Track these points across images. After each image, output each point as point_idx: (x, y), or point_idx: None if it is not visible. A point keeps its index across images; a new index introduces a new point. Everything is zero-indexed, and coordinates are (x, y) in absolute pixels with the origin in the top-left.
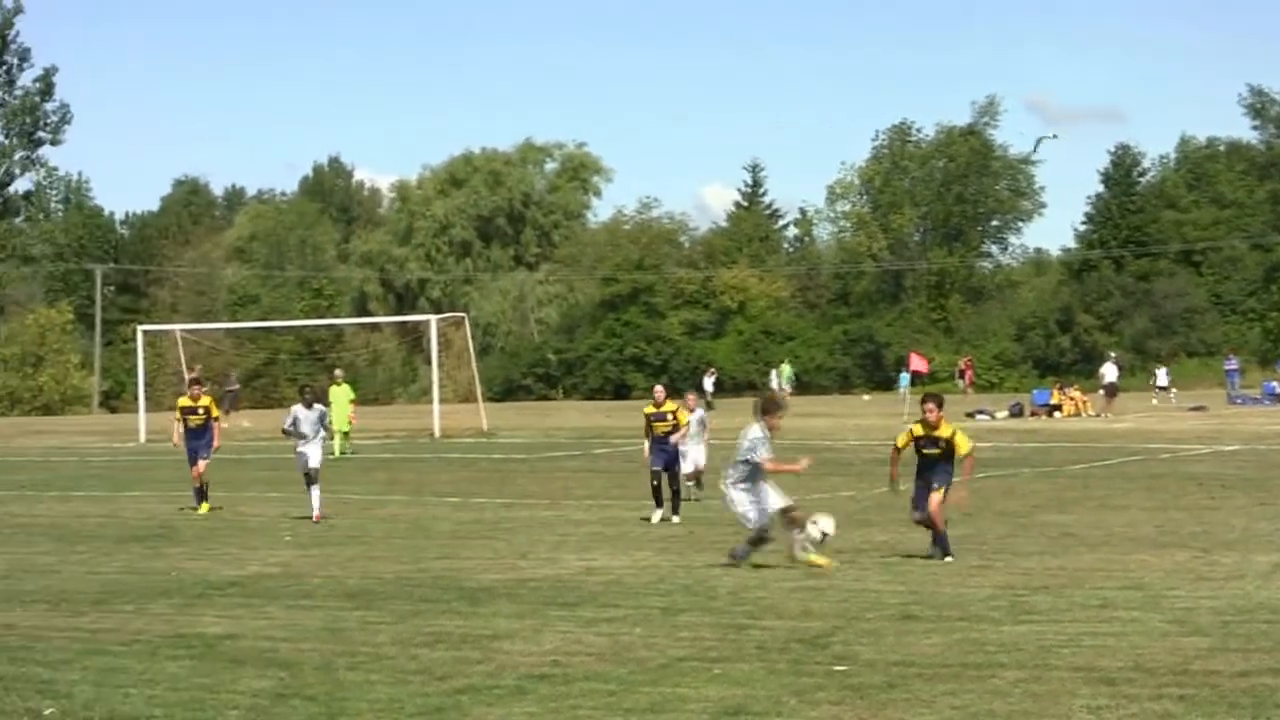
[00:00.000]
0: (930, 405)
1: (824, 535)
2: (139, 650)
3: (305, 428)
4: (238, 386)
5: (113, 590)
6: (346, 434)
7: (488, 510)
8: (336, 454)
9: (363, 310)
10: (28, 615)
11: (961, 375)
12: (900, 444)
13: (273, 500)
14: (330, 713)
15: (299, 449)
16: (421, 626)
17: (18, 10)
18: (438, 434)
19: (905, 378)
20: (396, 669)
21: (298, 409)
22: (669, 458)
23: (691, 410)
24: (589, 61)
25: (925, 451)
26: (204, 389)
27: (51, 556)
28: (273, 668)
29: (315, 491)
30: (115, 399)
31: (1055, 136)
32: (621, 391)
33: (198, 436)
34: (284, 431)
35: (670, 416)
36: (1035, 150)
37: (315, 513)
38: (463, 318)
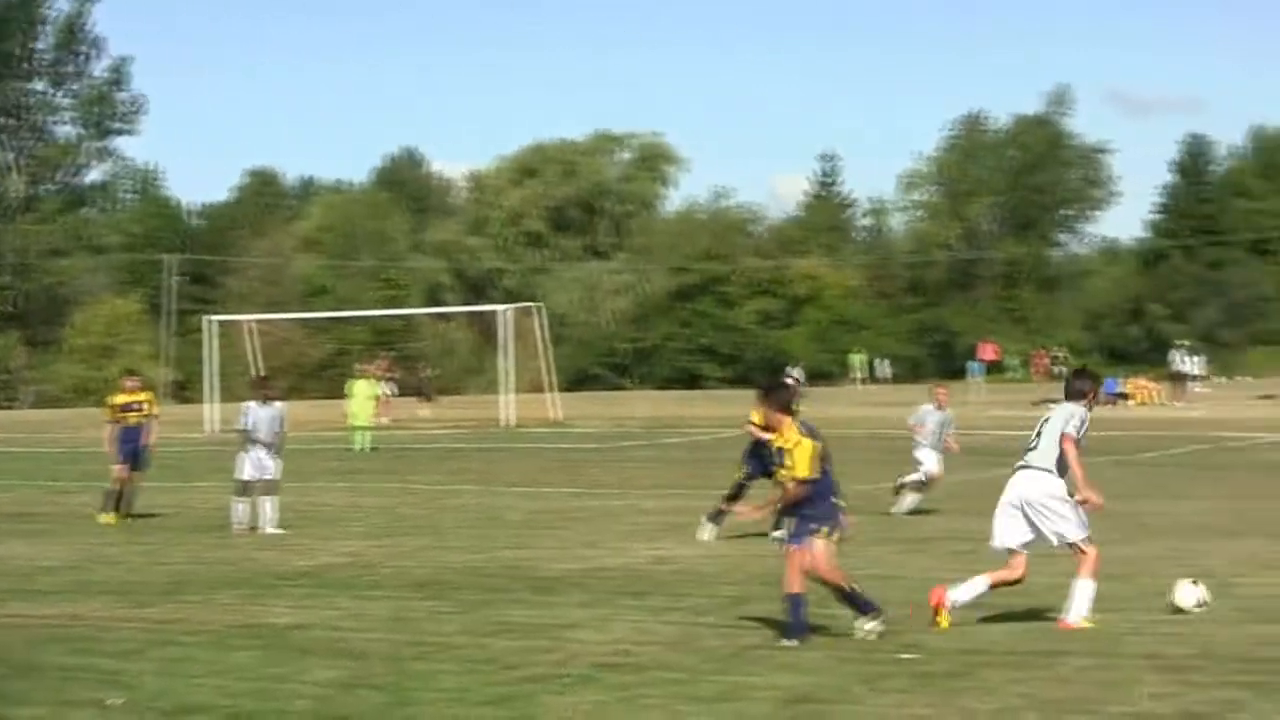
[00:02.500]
0: None
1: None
2: (207, 640)
3: (262, 428)
4: (428, 373)
5: (180, 581)
6: (364, 429)
7: (558, 500)
8: (356, 448)
9: (435, 300)
10: (95, 606)
11: (1030, 364)
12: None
13: (340, 490)
14: (398, 702)
15: (249, 453)
16: (491, 616)
17: None
18: (509, 423)
19: (976, 366)
20: (465, 658)
21: (252, 405)
22: None
23: (940, 408)
24: (662, 51)
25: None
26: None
27: (117, 548)
28: (341, 658)
29: (269, 503)
30: (186, 389)
31: None
32: (693, 381)
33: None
34: (237, 431)
35: None
36: None
37: (264, 526)
38: (535, 307)
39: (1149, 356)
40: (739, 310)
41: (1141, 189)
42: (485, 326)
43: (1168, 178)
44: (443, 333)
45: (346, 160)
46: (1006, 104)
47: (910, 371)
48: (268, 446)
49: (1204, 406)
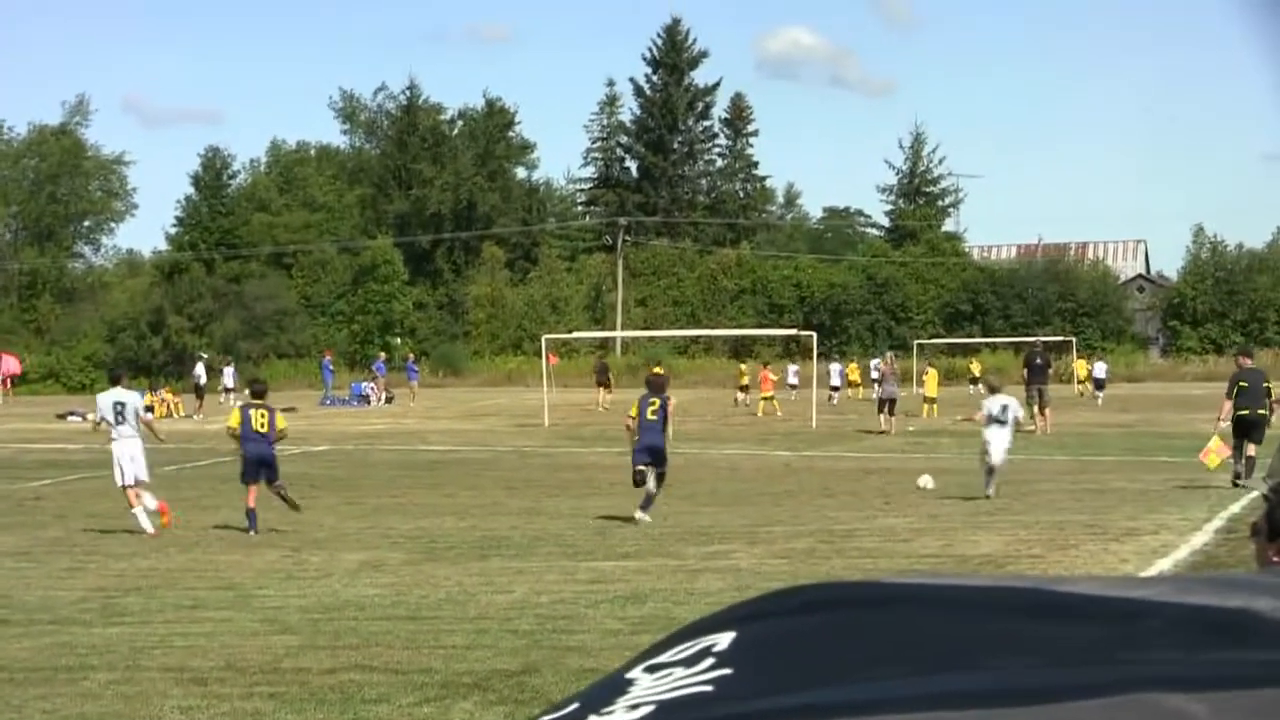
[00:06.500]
0: None
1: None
2: None
3: None
4: None
5: None
6: None
7: None
8: None
9: None
10: None
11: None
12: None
13: None
14: None
15: None
16: None
17: None
18: None
19: None
20: None
21: None
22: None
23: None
24: None
25: None
26: None
27: None
28: None
29: None
30: None
31: None
32: None
33: None
34: None
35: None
36: None
37: None
38: None
39: (171, 369)
40: None
41: (161, 201)
42: None
43: (188, 190)
44: None
45: None
46: (25, 113)
47: None
48: None
49: (221, 419)
